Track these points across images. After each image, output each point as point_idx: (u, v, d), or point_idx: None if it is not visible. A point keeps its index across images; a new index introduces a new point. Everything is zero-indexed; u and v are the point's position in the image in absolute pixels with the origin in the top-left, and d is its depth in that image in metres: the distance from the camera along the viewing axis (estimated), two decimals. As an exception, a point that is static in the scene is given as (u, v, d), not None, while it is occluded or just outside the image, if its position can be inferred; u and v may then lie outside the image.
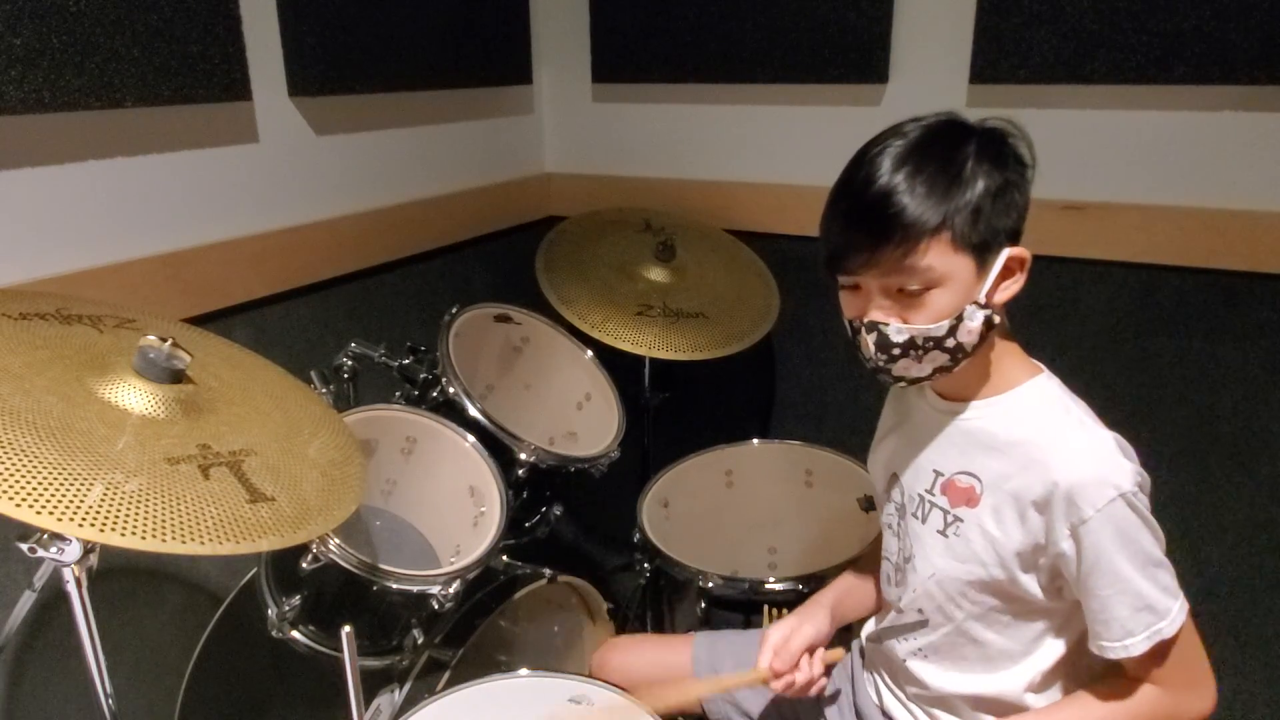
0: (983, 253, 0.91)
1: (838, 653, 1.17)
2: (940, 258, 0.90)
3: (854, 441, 1.37)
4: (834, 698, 1.24)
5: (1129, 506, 0.90)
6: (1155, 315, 1.59)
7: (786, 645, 1.11)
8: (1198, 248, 1.52)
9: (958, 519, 1.01)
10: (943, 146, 0.91)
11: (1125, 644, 0.93)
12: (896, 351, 0.94)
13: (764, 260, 1.88)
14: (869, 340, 0.95)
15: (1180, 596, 0.94)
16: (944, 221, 0.89)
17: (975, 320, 0.92)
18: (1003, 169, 0.91)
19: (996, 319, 0.94)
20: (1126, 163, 1.56)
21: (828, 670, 1.16)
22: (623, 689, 1.15)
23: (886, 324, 0.93)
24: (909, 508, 1.09)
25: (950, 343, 0.93)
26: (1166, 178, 1.53)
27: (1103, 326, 1.64)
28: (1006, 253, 0.92)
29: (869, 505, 1.60)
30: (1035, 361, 1.03)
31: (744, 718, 1.26)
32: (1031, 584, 0.98)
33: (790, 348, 1.98)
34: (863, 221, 0.92)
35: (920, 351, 0.94)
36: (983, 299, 0.92)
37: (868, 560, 1.25)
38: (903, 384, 0.99)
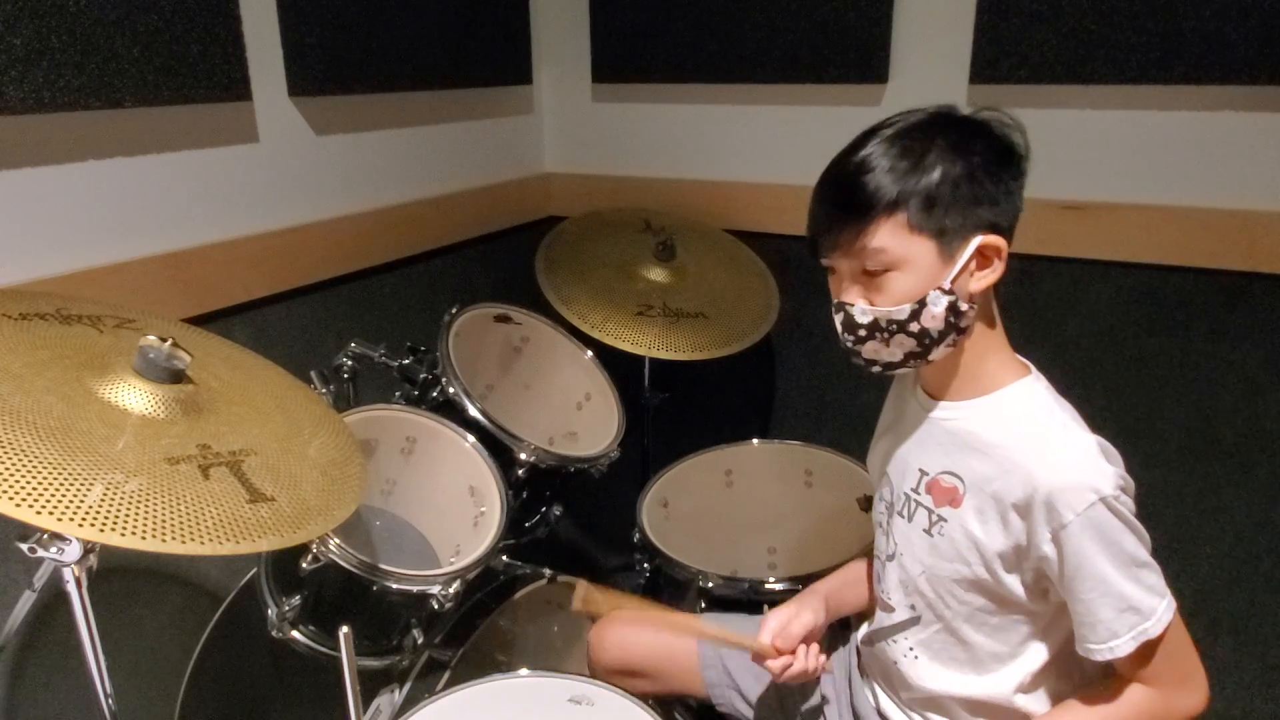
0: (947, 239, 0.92)
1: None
2: (894, 238, 0.92)
3: (854, 441, 1.37)
4: (831, 702, 1.24)
5: (1109, 510, 0.90)
6: (1155, 315, 1.59)
7: (787, 629, 1.12)
8: (1198, 248, 1.52)
9: (941, 519, 1.02)
10: (916, 135, 0.93)
11: (1111, 645, 0.93)
12: (862, 333, 0.97)
13: (764, 260, 1.88)
14: (837, 320, 0.99)
15: (1167, 595, 0.93)
16: (897, 203, 0.91)
17: (939, 306, 0.93)
18: (967, 158, 0.92)
19: (964, 306, 0.94)
20: (1126, 163, 1.56)
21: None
22: (623, 689, 1.15)
23: (852, 305, 0.97)
24: (896, 505, 1.09)
25: (914, 327, 0.94)
26: (1166, 178, 1.53)
27: (1103, 326, 1.64)
28: (978, 241, 0.93)
29: (869, 505, 1.59)
30: (1024, 361, 1.03)
31: (745, 704, 1.25)
32: (1015, 585, 0.98)
33: (790, 348, 1.98)
34: (825, 202, 0.97)
35: (885, 334, 0.96)
36: (947, 285, 0.93)
37: (865, 555, 1.25)
38: (877, 368, 1.00)
